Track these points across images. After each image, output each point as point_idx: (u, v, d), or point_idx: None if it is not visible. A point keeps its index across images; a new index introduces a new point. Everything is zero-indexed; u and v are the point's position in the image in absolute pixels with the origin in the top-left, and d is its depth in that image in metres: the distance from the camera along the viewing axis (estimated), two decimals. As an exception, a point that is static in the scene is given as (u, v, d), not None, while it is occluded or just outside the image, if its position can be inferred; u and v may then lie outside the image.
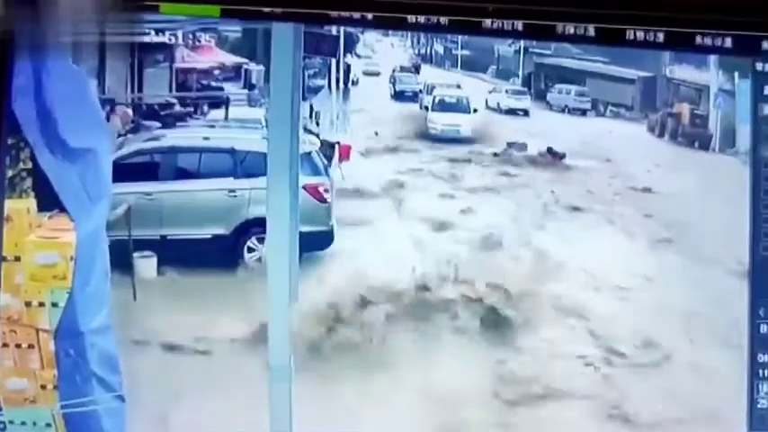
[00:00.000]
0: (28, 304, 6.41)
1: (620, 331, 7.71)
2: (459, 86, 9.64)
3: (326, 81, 9.30)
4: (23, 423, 6.43)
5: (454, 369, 7.33)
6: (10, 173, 6.49)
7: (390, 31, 9.42)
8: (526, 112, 9.33)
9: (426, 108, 9.69)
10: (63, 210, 6.42)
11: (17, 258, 6.38)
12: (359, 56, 9.75)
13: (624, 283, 7.89)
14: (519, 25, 6.13)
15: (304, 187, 7.63)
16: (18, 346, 6.42)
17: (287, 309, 6.60)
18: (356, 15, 6.02)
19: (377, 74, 9.81)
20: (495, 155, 8.88)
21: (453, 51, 10.15)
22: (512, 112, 9.38)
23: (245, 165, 7.95)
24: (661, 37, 6.20)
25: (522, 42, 9.70)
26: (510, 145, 8.85)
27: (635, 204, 8.49)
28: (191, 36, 8.51)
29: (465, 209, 8.35)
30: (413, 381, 7.27)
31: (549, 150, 8.83)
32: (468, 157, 8.92)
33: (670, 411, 7.10)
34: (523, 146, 8.88)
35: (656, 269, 8.03)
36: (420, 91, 9.86)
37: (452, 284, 7.67)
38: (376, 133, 9.01)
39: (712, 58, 8.48)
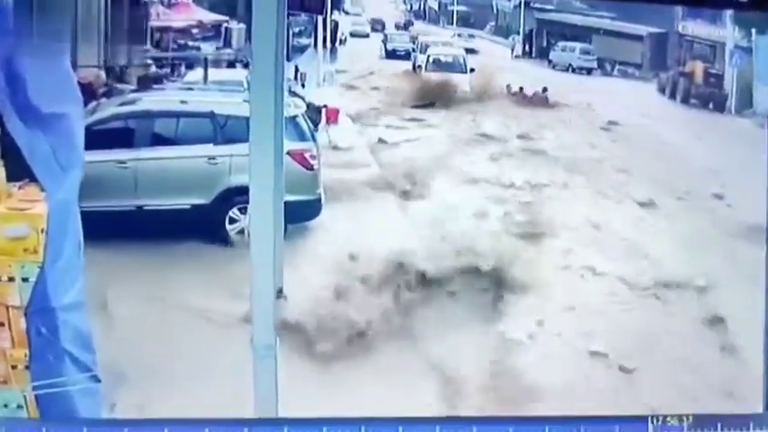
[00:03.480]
0: (-3, 279, 6.41)
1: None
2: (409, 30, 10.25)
3: (313, 40, 9.33)
4: (-6, 405, 6.46)
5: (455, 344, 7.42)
6: (-23, 141, 6.52)
7: (381, -15, 9.50)
8: (474, 51, 10.06)
9: (420, 68, 9.74)
10: (33, 179, 6.45)
11: (-16, 232, 6.39)
12: (347, 12, 9.78)
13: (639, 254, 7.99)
14: (518, -23, 6.10)
15: (289, 153, 7.67)
16: (-13, 324, 6.43)
17: (272, 284, 6.57)
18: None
19: (366, 35, 9.88)
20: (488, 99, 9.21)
21: (449, 7, 10.19)
22: (469, 50, 9.98)
23: (226, 130, 7.99)
24: (673, -11, 6.17)
25: (522, -4, 9.80)
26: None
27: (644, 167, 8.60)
28: (166, -8, 8.55)
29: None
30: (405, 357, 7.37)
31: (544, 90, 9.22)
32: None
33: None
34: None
35: (669, 238, 8.08)
36: (413, 50, 9.91)
37: None
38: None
39: (728, 13, 8.48)
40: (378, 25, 10.04)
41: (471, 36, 10.18)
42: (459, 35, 10.14)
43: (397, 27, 10.09)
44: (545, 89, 9.24)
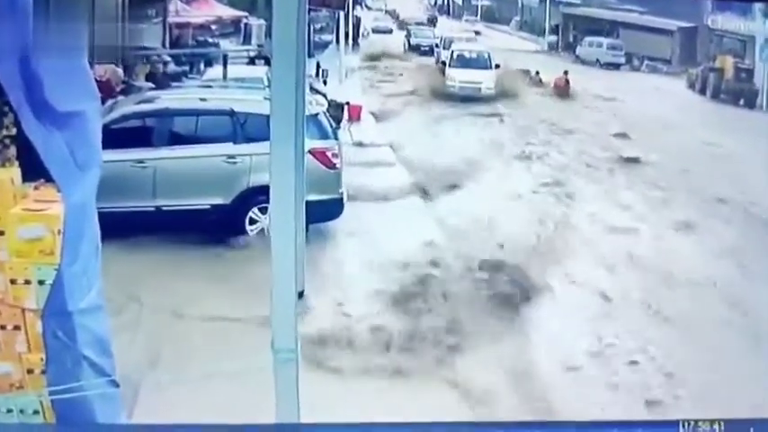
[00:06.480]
0: (13, 282, 6.36)
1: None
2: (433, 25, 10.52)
3: (334, 36, 9.33)
4: (9, 410, 6.41)
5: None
6: (-8, 140, 6.51)
7: (404, -21, 9.50)
8: (478, 32, 10.52)
9: (444, 63, 9.74)
10: (50, 179, 6.30)
11: (0, 233, 6.33)
12: (369, 8, 9.81)
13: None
14: (544, -28, 6.08)
15: (311, 152, 7.65)
16: (2, 327, 6.39)
17: (293, 286, 6.51)
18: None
19: (389, 31, 9.93)
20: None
21: (472, 2, 10.21)
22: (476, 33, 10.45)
23: (246, 128, 7.99)
24: (702, -17, 6.17)
25: (548, -10, 9.78)
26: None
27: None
28: (185, -12, 8.56)
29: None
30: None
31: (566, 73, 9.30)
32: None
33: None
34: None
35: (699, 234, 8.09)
36: (436, 45, 9.93)
37: None
38: None
39: (758, 6, 8.45)
40: (392, 17, 10.11)
41: (477, 21, 10.27)
42: (467, 20, 10.25)
43: (420, 22, 10.14)
44: (566, 72, 9.30)
